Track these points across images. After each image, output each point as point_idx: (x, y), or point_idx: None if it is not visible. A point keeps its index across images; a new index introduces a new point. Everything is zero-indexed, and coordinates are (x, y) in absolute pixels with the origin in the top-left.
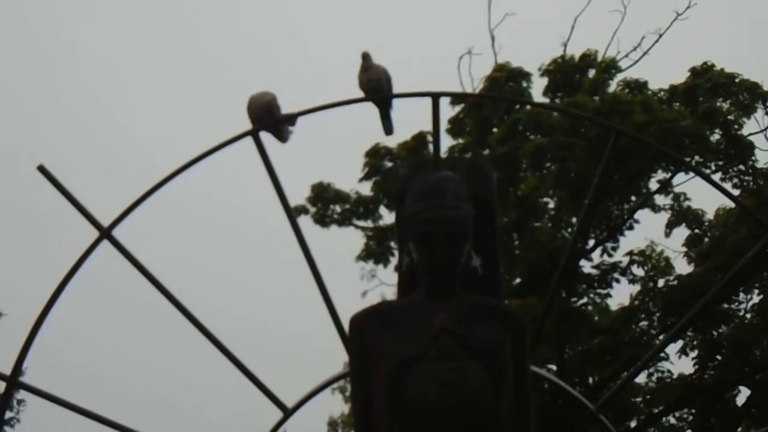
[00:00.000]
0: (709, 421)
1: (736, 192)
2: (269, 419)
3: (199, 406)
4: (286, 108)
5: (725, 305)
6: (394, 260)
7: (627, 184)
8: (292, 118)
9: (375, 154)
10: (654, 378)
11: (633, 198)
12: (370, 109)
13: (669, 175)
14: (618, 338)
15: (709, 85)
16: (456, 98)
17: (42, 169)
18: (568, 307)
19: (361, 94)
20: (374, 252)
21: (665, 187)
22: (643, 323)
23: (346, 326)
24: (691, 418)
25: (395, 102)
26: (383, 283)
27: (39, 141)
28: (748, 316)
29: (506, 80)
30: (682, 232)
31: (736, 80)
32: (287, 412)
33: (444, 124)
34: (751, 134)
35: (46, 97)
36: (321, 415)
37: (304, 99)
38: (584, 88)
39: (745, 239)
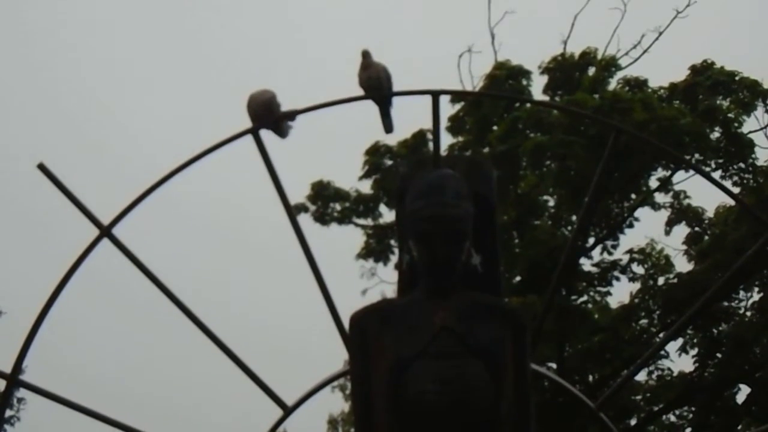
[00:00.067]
0: (709, 419)
1: (736, 190)
2: (269, 417)
3: (199, 404)
4: (286, 107)
5: (725, 303)
6: (394, 258)
7: (627, 182)
8: (291, 115)
9: (375, 152)
10: (654, 376)
11: (633, 196)
12: (370, 107)
13: (669, 173)
14: (618, 336)
15: (709, 83)
16: (456, 96)
17: (42, 168)
18: (568, 305)
19: (361, 92)
20: (374, 250)
21: (665, 185)
22: (643, 321)
23: (346, 324)
24: (691, 416)
25: (395, 100)
26: (383, 281)
27: (39, 140)
28: (748, 314)
29: (506, 78)
30: (682, 230)
31: (736, 78)
32: (287, 411)
33: (444, 122)
34: (751, 132)
35: (46, 96)
36: (321, 414)
37: (304, 98)
38: (584, 86)
39: (745, 237)
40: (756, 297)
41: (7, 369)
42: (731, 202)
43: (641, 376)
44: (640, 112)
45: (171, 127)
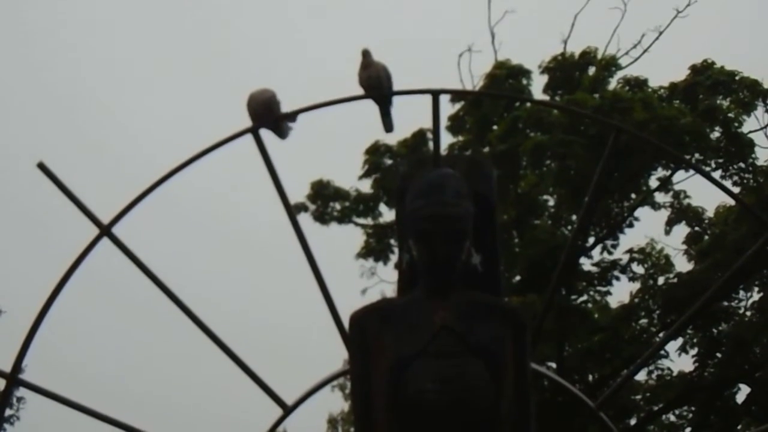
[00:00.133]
0: (708, 419)
1: (736, 189)
2: (269, 417)
3: (199, 403)
4: (286, 107)
5: (725, 303)
6: (393, 257)
7: (627, 181)
8: (292, 115)
9: (375, 152)
10: (654, 376)
11: (633, 195)
12: (370, 107)
13: (669, 172)
14: (618, 336)
15: (709, 83)
16: (456, 95)
17: (42, 167)
18: (568, 305)
19: (361, 91)
20: (374, 249)
21: (665, 184)
22: (643, 321)
23: (346, 324)
24: (690, 415)
25: (395, 99)
26: (383, 281)
27: (39, 139)
28: (748, 313)
29: (506, 77)
30: (682, 230)
31: (736, 78)
32: (287, 410)
33: (444, 122)
34: (751, 132)
35: (46, 96)
36: (321, 413)
37: (305, 98)
38: (584, 85)
39: (745, 237)
40: (756, 297)
41: (7, 368)
42: (731, 201)
43: (641, 376)
44: (640, 111)
45: (171, 127)
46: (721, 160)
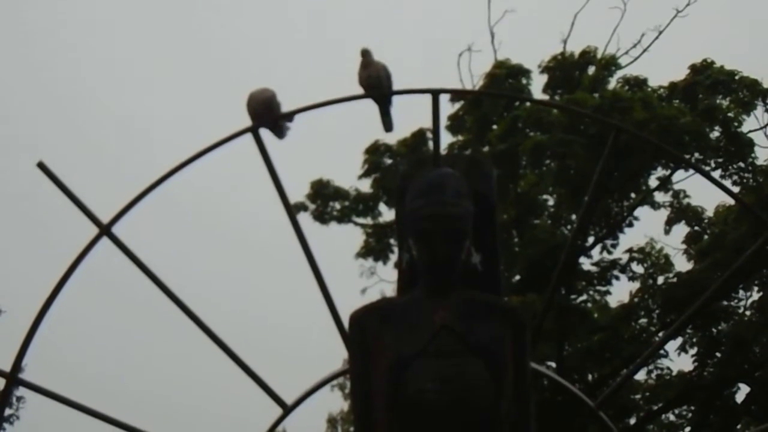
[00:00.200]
0: (708, 419)
1: (735, 189)
2: (269, 416)
3: (199, 402)
4: (286, 107)
5: (725, 302)
6: (393, 257)
7: (627, 181)
8: (291, 115)
9: (375, 151)
10: (653, 375)
11: (633, 195)
12: (370, 106)
13: (669, 172)
14: (617, 335)
15: (708, 82)
16: (456, 95)
17: (42, 166)
18: (568, 305)
19: (360, 90)
20: (374, 249)
21: (665, 184)
22: (643, 320)
23: (345, 323)
24: (690, 415)
25: (395, 99)
26: (383, 280)
27: (39, 139)
28: (748, 313)
29: (506, 77)
30: (681, 230)
31: (736, 77)
32: (287, 409)
33: (444, 121)
34: (750, 131)
35: (46, 96)
36: (320, 412)
37: (305, 98)
38: (584, 85)
39: (745, 236)
40: (755, 296)
41: (7, 367)
42: (731, 201)
43: (641, 375)
44: (640, 111)
45: (171, 127)
46: (720, 160)
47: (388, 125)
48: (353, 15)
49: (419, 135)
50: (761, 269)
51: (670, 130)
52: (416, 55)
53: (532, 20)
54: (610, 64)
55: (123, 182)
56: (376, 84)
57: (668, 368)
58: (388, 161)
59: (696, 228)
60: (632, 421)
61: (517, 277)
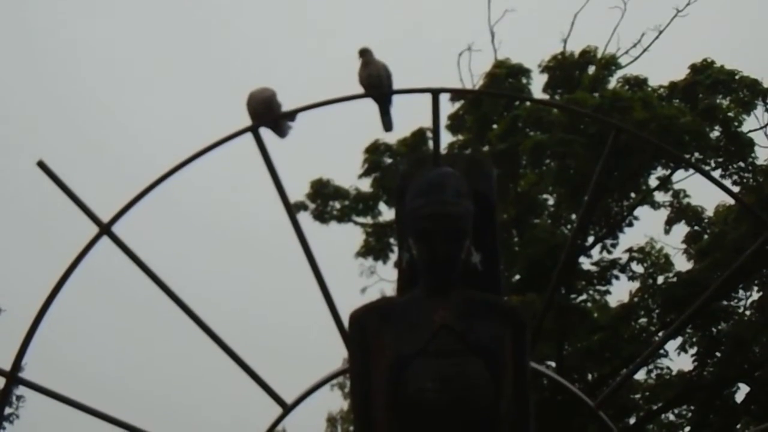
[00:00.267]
0: (708, 418)
1: (735, 189)
2: (269, 415)
3: (199, 401)
4: (286, 106)
5: (725, 302)
6: (393, 256)
7: (626, 180)
8: (291, 114)
9: (374, 151)
10: (653, 375)
11: (633, 195)
12: (370, 105)
13: (669, 171)
14: (617, 335)
15: (708, 82)
16: (456, 94)
17: (42, 165)
18: (568, 304)
19: (361, 90)
20: (374, 248)
21: (665, 183)
22: (643, 320)
23: (345, 322)
24: (690, 414)
25: (395, 98)
26: (383, 280)
27: (39, 138)
28: (748, 313)
29: (506, 77)
30: (681, 229)
31: (736, 77)
32: (287, 409)
33: (444, 121)
34: (750, 131)
35: (46, 95)
36: (320, 412)
37: (305, 98)
38: (584, 84)
39: (745, 236)
40: (755, 296)
41: (7, 366)
42: (731, 201)
43: (640, 375)
44: (640, 110)
45: (171, 127)
46: (720, 160)
47: (387, 125)
48: (353, 15)
49: (419, 134)
50: (761, 269)
51: (670, 129)
52: (416, 55)
53: (532, 20)
54: (610, 63)
55: (123, 182)
56: (377, 83)
57: (668, 368)
58: (388, 161)
59: (696, 228)
60: (632, 420)
61: (517, 277)
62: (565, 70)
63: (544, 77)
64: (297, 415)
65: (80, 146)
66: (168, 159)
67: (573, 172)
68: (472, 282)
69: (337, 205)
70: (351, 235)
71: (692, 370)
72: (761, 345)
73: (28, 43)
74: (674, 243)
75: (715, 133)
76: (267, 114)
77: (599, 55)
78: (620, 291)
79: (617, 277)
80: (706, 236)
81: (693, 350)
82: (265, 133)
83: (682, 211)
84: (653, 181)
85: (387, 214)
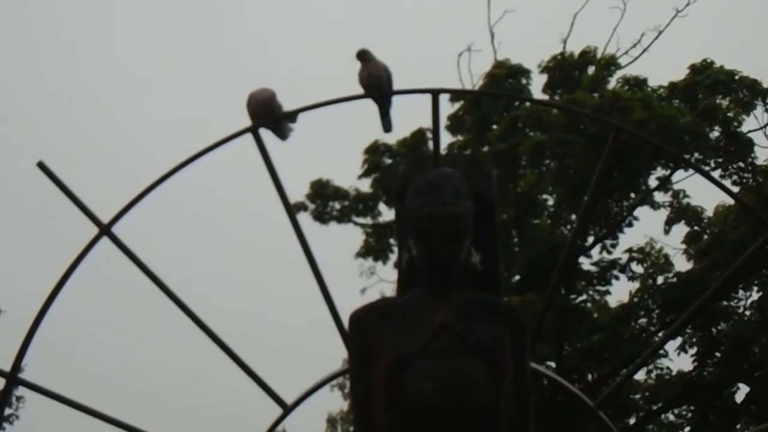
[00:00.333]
0: (708, 418)
1: (735, 189)
2: (269, 416)
3: (199, 402)
4: (286, 107)
5: (724, 302)
6: (393, 257)
7: (626, 181)
8: (292, 115)
9: (374, 151)
10: (653, 375)
11: (632, 195)
12: (370, 106)
13: (668, 172)
14: (617, 335)
15: (708, 82)
16: (456, 95)
17: (42, 166)
18: (568, 304)
19: (361, 90)
20: (373, 249)
21: (665, 184)
22: (643, 320)
23: (345, 323)
24: (690, 415)
25: (395, 99)
26: (382, 280)
27: (39, 139)
28: (748, 313)
29: (506, 77)
30: (681, 229)
31: (736, 77)
32: (287, 409)
33: (443, 121)
34: (750, 131)
35: (46, 95)
36: (320, 412)
37: (305, 98)
38: (584, 85)
39: (745, 236)
40: (755, 296)
41: (7, 367)
42: (731, 201)
43: (640, 375)
44: (640, 111)
45: (171, 127)
46: (720, 160)
47: (387, 126)
48: (353, 15)
49: (419, 135)
50: (761, 269)
51: (669, 130)
52: (416, 55)
53: (532, 20)
54: (609, 64)
55: (123, 182)
56: (377, 83)
57: (668, 368)
58: (388, 161)
59: (696, 228)
60: (632, 420)
61: (517, 277)
62: (565, 70)
63: (544, 77)
64: (297, 416)
65: (80, 146)
66: (168, 159)
67: (573, 172)
68: (472, 282)
69: (337, 205)
70: (351, 235)
71: (692, 371)
72: (761, 345)
73: (28, 43)
74: (674, 243)
75: (715, 134)
76: (267, 114)
77: (599, 56)
78: (620, 291)
79: (617, 278)
80: (705, 236)
81: (693, 350)
82: (265, 133)
83: (681, 212)
84: (653, 182)
85: (387, 214)
